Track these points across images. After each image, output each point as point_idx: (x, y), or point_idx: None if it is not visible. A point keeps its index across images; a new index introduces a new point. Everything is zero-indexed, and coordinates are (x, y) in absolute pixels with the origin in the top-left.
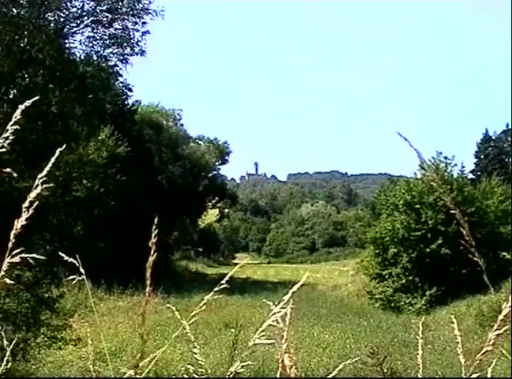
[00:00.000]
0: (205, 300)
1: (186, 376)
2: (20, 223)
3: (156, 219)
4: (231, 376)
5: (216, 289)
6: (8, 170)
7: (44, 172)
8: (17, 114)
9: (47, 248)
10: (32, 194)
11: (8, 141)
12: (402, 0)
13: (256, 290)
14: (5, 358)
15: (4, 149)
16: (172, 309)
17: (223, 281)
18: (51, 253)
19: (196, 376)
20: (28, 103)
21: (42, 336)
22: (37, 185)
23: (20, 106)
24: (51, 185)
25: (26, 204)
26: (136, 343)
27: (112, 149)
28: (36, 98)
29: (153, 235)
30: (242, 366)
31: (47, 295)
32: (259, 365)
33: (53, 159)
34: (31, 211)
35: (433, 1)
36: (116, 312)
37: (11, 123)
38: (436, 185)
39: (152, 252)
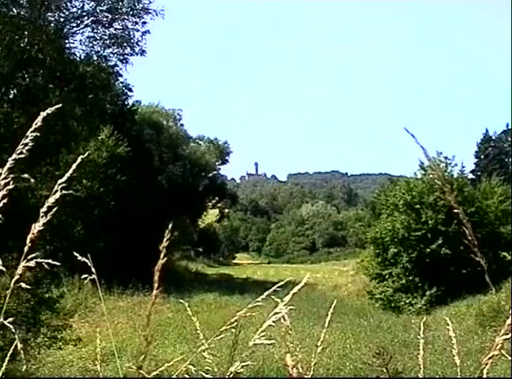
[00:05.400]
0: (251, 305)
1: (186, 376)
2: (37, 227)
3: (170, 225)
4: (231, 376)
5: (266, 293)
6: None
7: (65, 178)
8: (38, 122)
9: (46, 248)
10: (51, 199)
11: (27, 147)
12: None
13: (256, 291)
14: (6, 358)
15: (23, 155)
16: (187, 309)
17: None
18: (51, 252)
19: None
20: (49, 110)
21: (42, 336)
22: (56, 191)
23: (41, 113)
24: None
25: (44, 209)
26: (136, 343)
27: (112, 149)
28: (58, 106)
29: (165, 240)
30: (242, 366)
31: (47, 295)
32: (259, 365)
33: (74, 166)
34: (49, 216)
35: (433, 1)
36: (116, 312)
37: (31, 130)
38: (440, 183)
39: (162, 255)
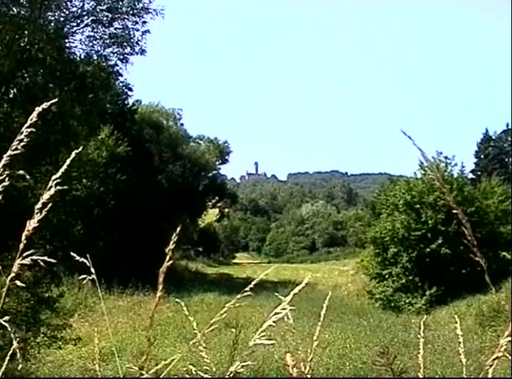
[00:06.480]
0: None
1: (187, 375)
2: (32, 224)
3: (178, 229)
4: (231, 376)
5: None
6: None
7: (59, 174)
8: (34, 117)
9: (46, 247)
10: (45, 196)
11: (23, 144)
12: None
13: (256, 290)
14: (7, 358)
15: (18, 151)
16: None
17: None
18: (51, 252)
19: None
20: (45, 105)
21: (42, 336)
22: (51, 187)
23: (36, 108)
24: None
25: (39, 205)
26: (136, 342)
27: (112, 149)
28: (54, 101)
29: (171, 242)
30: (242, 366)
31: (46, 295)
32: (259, 365)
33: (68, 161)
34: (44, 212)
35: (432, 1)
36: (116, 311)
37: (26, 125)
38: (438, 183)
39: (168, 258)
